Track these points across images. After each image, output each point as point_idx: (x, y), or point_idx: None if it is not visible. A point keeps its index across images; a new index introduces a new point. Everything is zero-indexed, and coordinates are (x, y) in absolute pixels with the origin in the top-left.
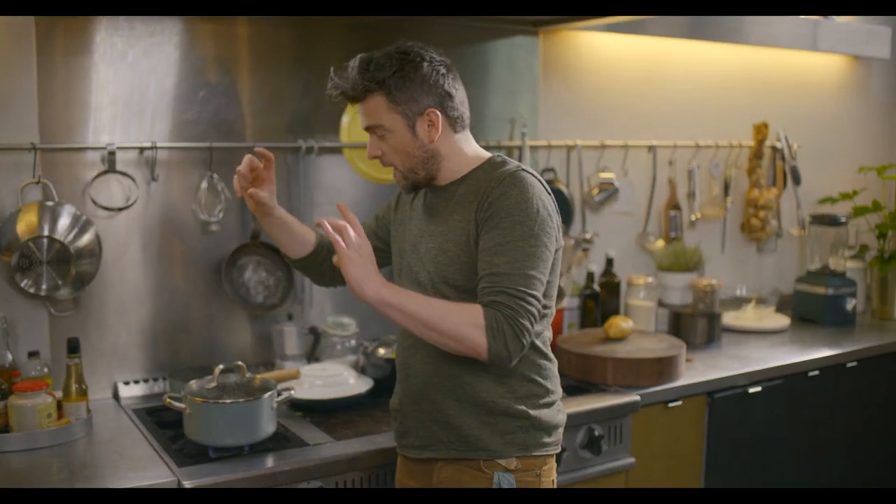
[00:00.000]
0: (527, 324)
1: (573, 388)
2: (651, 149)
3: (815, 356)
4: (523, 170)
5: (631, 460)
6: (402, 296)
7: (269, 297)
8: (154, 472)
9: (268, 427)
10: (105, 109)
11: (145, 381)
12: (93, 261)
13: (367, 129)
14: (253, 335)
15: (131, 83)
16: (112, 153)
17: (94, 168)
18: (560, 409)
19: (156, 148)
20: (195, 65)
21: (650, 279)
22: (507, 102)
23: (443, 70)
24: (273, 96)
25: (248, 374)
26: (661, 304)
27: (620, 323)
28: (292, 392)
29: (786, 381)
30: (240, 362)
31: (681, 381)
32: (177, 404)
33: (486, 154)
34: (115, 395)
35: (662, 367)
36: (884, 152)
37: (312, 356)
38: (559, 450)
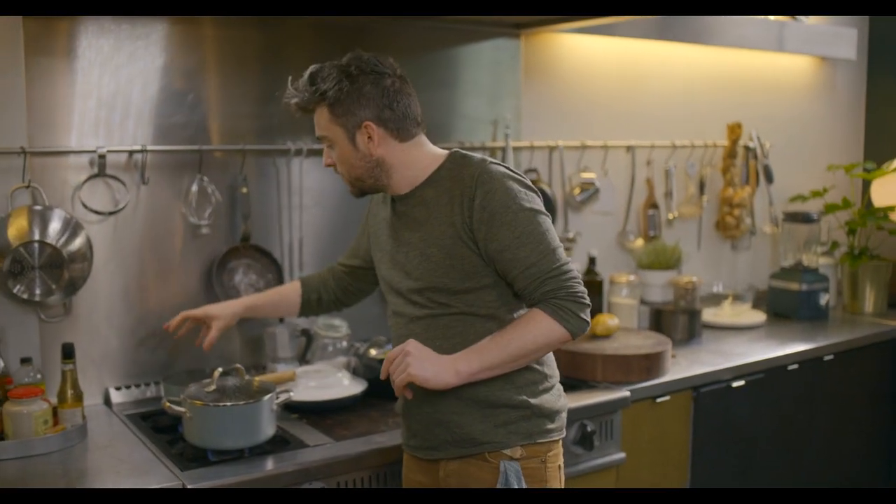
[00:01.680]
0: (580, 288)
1: (563, 385)
2: (629, 149)
3: (793, 350)
4: (490, 162)
5: (622, 455)
6: (479, 358)
7: None
8: (156, 476)
9: (268, 429)
10: (91, 113)
11: (137, 385)
12: (84, 265)
13: (318, 139)
14: (244, 338)
15: (118, 86)
16: (102, 157)
17: (83, 172)
18: (561, 394)
19: (145, 151)
20: (183, 68)
21: (632, 277)
22: (491, 104)
23: (386, 82)
24: (261, 99)
25: (246, 377)
26: (642, 301)
27: (607, 321)
28: (291, 394)
29: (767, 375)
30: (238, 365)
31: (667, 377)
32: (176, 408)
33: (443, 152)
34: (107, 401)
35: (650, 363)
36: (851, 151)
37: (304, 358)
38: (563, 434)
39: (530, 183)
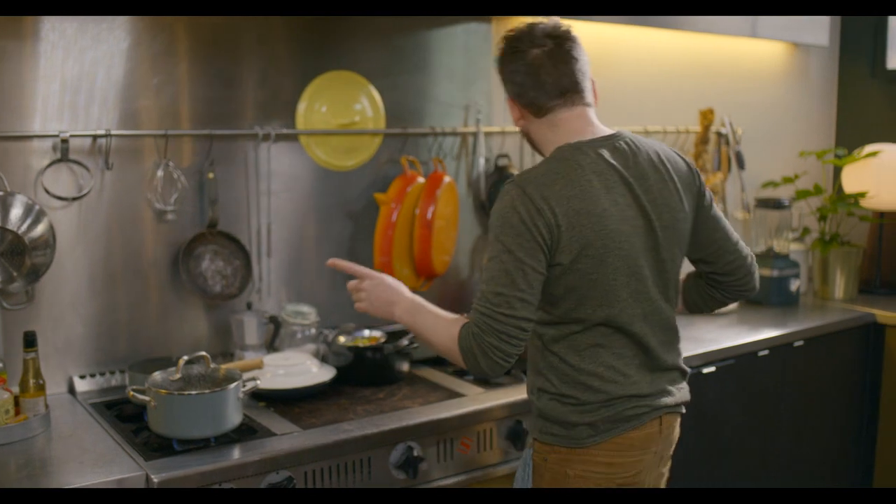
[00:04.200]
0: (494, 341)
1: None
2: None
3: (763, 336)
4: (519, 180)
5: None
6: (413, 316)
7: (227, 286)
8: (120, 466)
9: (234, 418)
10: (55, 97)
11: (101, 374)
12: (47, 252)
13: None
14: (211, 325)
15: (82, 70)
16: (65, 141)
17: (45, 157)
18: (589, 412)
19: (110, 136)
20: (148, 51)
21: None
22: (462, 89)
23: (528, 58)
24: (229, 83)
25: (212, 365)
26: None
27: None
28: (258, 382)
29: (738, 361)
30: (204, 353)
31: None
32: (141, 397)
33: (561, 143)
34: (71, 390)
35: None
36: (823, 137)
37: (272, 346)
38: (580, 445)
39: (541, 215)
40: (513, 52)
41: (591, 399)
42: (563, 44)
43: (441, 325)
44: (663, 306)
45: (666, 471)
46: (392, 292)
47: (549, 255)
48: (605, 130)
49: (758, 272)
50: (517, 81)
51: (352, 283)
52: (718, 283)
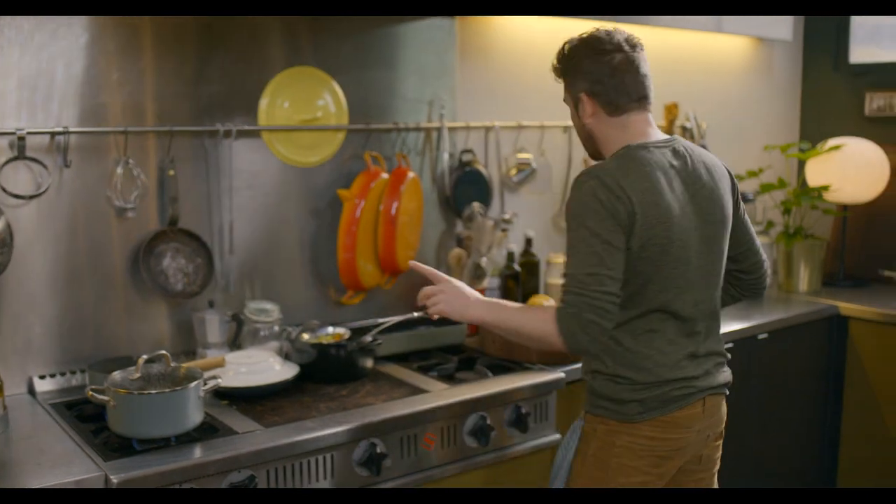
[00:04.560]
0: (592, 317)
1: (498, 368)
2: (566, 129)
3: (728, 329)
4: (597, 172)
5: (557, 436)
6: (494, 312)
7: (188, 284)
8: (79, 467)
9: (195, 417)
10: (11, 94)
11: (62, 374)
12: (4, 251)
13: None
14: (173, 324)
15: (39, 67)
16: (21, 138)
17: (1, 154)
18: (638, 391)
19: (68, 133)
20: (107, 47)
21: None
22: (426, 85)
23: (607, 58)
24: (188, 79)
25: (172, 364)
26: None
27: (542, 302)
28: (219, 380)
29: None
30: (164, 351)
31: None
32: (100, 397)
33: (624, 143)
34: (31, 390)
35: None
36: (787, 131)
37: (235, 343)
38: (628, 419)
39: (620, 200)
40: (597, 52)
41: (643, 380)
42: (640, 52)
43: (528, 313)
44: (711, 296)
45: (719, 445)
46: (467, 292)
47: (626, 239)
48: (663, 135)
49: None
50: (600, 80)
51: (429, 289)
52: (740, 280)
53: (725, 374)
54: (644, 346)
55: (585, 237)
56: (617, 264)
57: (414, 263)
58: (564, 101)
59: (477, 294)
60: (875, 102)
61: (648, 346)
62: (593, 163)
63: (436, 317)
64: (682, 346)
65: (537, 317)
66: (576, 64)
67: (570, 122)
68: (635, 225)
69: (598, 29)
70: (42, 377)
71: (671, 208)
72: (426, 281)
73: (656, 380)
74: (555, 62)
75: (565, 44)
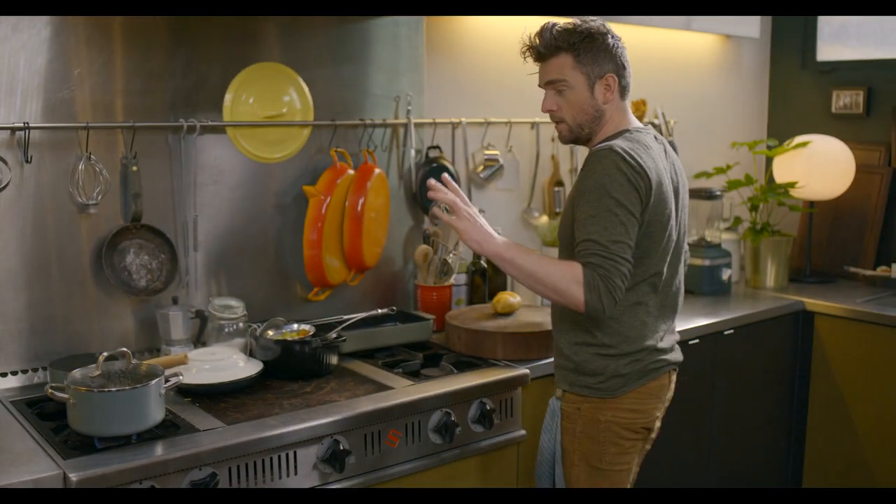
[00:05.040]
0: (618, 282)
1: (463, 364)
2: (534, 125)
3: (694, 325)
4: (615, 148)
5: (522, 432)
6: (514, 251)
7: (152, 281)
8: (37, 465)
9: (156, 414)
10: None
11: (24, 371)
12: None
13: (548, 83)
14: (137, 321)
15: (1, 61)
16: None
17: None
18: (625, 363)
19: (28, 128)
20: (69, 41)
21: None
22: (392, 80)
23: (620, 45)
24: (153, 74)
25: (133, 361)
26: None
27: (508, 298)
28: (180, 378)
29: None
30: (124, 349)
31: None
32: (59, 394)
33: (626, 126)
34: None
35: (550, 341)
36: (754, 128)
37: (199, 340)
38: (610, 395)
39: (634, 179)
40: (613, 37)
41: (628, 349)
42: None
43: (553, 264)
44: (680, 275)
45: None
46: (488, 228)
47: (650, 204)
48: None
49: None
50: (624, 65)
51: (458, 197)
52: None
53: (679, 352)
54: (630, 318)
55: (611, 206)
56: (634, 236)
57: (435, 183)
58: (554, 81)
59: (494, 233)
60: (842, 100)
61: (634, 318)
62: (562, 159)
63: (440, 221)
64: (660, 320)
65: (562, 270)
66: (602, 44)
67: (537, 119)
68: (649, 200)
69: (586, 17)
70: (3, 375)
71: (669, 190)
72: (393, 275)
73: (638, 349)
74: (567, 39)
75: (578, 26)
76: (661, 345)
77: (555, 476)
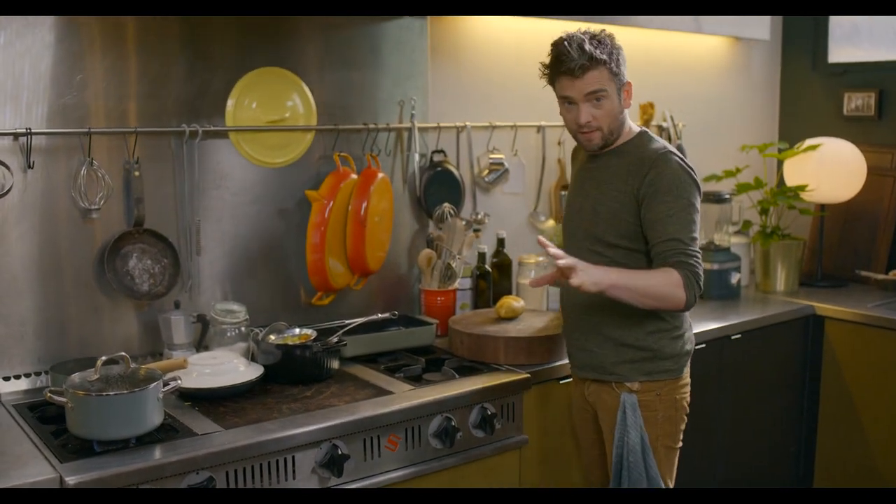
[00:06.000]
0: (701, 273)
1: (465, 369)
2: (540, 129)
3: (701, 329)
4: (670, 151)
5: (523, 437)
6: (623, 277)
7: (154, 285)
8: (35, 469)
9: (154, 418)
10: None
11: (27, 375)
12: None
13: (588, 94)
14: (140, 325)
15: (4, 66)
16: None
17: None
18: (687, 340)
19: (30, 134)
20: (72, 47)
21: (541, 258)
22: (397, 85)
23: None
24: (155, 80)
25: (132, 365)
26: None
27: (512, 303)
28: (179, 381)
29: None
30: (123, 353)
31: None
32: (58, 398)
33: (637, 129)
34: None
35: (553, 345)
36: (765, 131)
37: (202, 344)
38: (681, 374)
39: (696, 179)
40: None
41: (687, 329)
42: None
43: (655, 276)
44: None
45: None
46: (590, 264)
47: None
48: None
49: None
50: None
51: (569, 261)
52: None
53: None
54: None
55: (685, 206)
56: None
57: (542, 240)
58: (595, 92)
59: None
60: (853, 102)
61: None
62: (567, 163)
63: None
64: None
65: (664, 279)
66: (620, 54)
67: (542, 122)
68: (700, 193)
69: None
70: (6, 378)
71: None
72: (397, 279)
73: (689, 325)
74: (605, 52)
75: (601, 37)
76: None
77: (649, 469)
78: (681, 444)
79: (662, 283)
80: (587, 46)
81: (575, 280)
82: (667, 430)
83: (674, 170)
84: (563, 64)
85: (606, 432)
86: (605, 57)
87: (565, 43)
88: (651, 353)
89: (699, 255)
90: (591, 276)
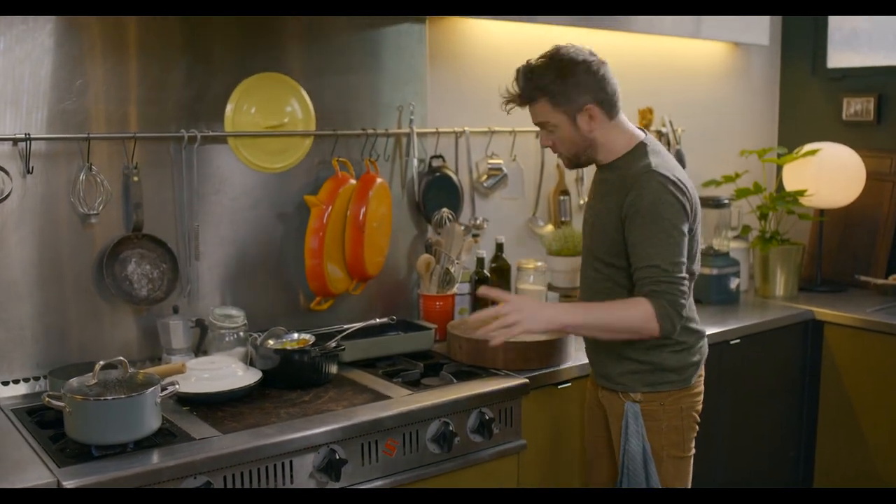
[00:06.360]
0: (683, 301)
1: (463, 373)
2: (538, 135)
3: None
4: (656, 168)
5: (522, 442)
6: (581, 314)
7: (153, 290)
8: (33, 473)
9: (152, 423)
10: None
11: (26, 380)
12: None
13: (537, 125)
14: (138, 330)
15: (4, 71)
16: None
17: None
18: (696, 352)
19: (30, 139)
20: (72, 52)
21: (539, 263)
22: (395, 90)
23: (594, 67)
24: (155, 85)
25: (130, 370)
26: (550, 287)
27: None
28: (177, 386)
29: None
30: (121, 357)
31: (570, 363)
32: (56, 403)
33: (637, 138)
34: None
35: (552, 350)
36: (764, 136)
37: (200, 349)
38: (687, 384)
39: (683, 199)
40: (585, 63)
41: (695, 342)
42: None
43: (621, 309)
44: None
45: None
46: (544, 303)
47: (691, 219)
48: None
49: None
50: (602, 88)
51: (490, 311)
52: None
53: None
54: (689, 311)
55: (666, 228)
56: (687, 250)
57: (484, 291)
58: (541, 123)
59: (551, 303)
60: (852, 107)
61: (691, 310)
62: (564, 168)
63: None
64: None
65: (634, 311)
66: (574, 77)
67: None
68: (692, 211)
69: (559, 47)
70: (6, 383)
71: (694, 193)
72: (396, 284)
73: (699, 338)
74: (539, 85)
75: (546, 65)
76: (703, 329)
77: (649, 477)
78: (693, 451)
79: (630, 317)
80: (526, 79)
81: (516, 328)
82: (672, 439)
83: (654, 190)
84: (507, 99)
85: (615, 438)
86: (538, 92)
87: (518, 71)
88: (651, 366)
89: (681, 280)
90: (536, 320)
